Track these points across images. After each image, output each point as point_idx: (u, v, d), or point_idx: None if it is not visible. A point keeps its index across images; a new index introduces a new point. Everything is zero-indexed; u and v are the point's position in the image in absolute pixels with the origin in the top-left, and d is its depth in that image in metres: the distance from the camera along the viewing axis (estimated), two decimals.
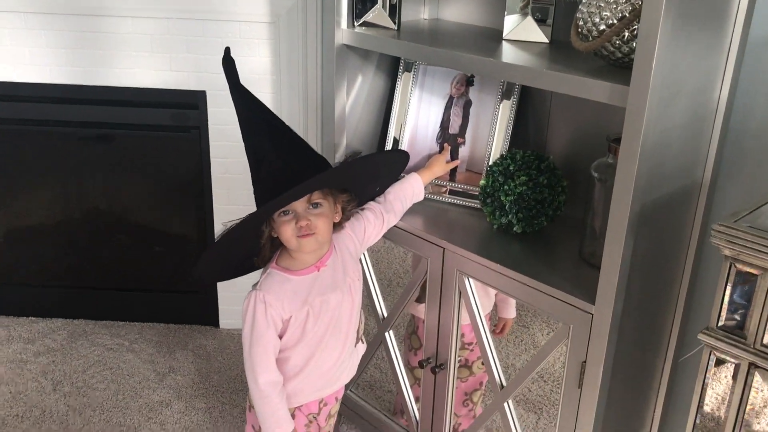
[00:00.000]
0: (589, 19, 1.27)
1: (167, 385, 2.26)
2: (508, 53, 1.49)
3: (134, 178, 2.44)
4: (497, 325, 1.80)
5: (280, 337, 1.44)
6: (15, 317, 2.57)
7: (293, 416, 1.51)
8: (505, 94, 1.67)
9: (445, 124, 1.75)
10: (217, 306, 2.54)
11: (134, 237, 2.53)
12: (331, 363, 1.52)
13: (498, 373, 1.58)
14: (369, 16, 1.66)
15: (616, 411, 1.47)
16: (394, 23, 1.66)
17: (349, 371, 1.61)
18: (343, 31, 1.67)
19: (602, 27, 1.25)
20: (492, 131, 1.68)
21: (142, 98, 2.27)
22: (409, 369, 1.84)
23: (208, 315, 2.56)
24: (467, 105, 1.74)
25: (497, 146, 1.67)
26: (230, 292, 2.48)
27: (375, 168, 1.57)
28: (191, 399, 2.20)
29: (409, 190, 1.61)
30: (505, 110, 1.66)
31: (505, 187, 1.55)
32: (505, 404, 1.57)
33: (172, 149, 2.38)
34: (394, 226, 1.60)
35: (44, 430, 2.04)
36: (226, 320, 2.55)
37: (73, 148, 2.39)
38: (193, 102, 2.26)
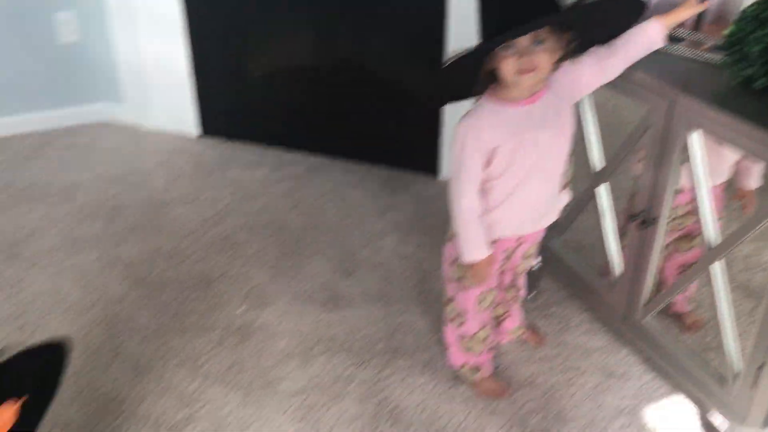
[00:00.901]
0: None
1: (386, 219, 2.46)
2: None
3: (379, 28, 2.57)
4: (736, 196, 1.70)
5: (487, 167, 1.49)
6: (266, 147, 2.91)
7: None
8: None
9: None
10: (439, 157, 2.67)
11: (373, 85, 2.69)
12: (532, 201, 1.55)
13: (710, 232, 1.50)
14: None
15: None
16: None
17: (550, 215, 1.63)
18: None
19: None
20: None
21: None
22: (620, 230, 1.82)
23: (431, 165, 2.70)
24: None
25: None
26: None
27: (606, 12, 1.50)
28: (406, 234, 2.38)
29: (643, 36, 1.51)
30: None
31: (755, 34, 1.41)
32: (713, 266, 1.50)
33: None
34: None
35: (281, 240, 2.35)
36: (447, 172, 2.68)
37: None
38: None
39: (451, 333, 1.77)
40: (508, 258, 1.67)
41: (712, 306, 1.56)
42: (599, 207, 1.80)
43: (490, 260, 1.57)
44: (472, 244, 1.55)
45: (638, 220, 1.64)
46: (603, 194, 1.79)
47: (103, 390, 1.76)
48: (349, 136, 2.81)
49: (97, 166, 2.76)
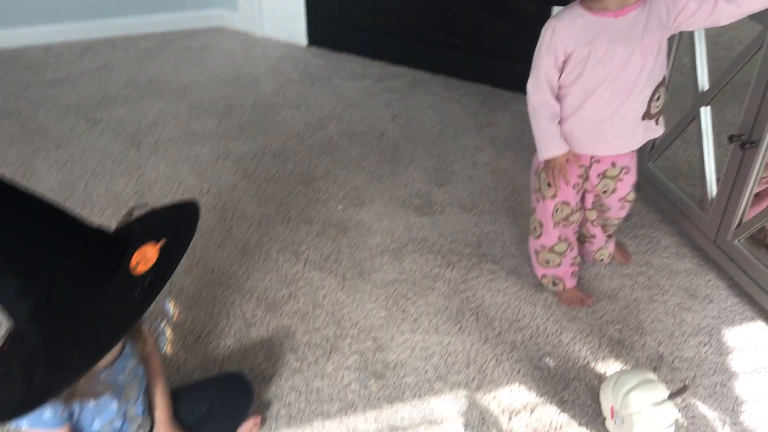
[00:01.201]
0: None
1: (483, 135, 2.51)
2: None
3: None
4: None
5: (561, 72, 1.50)
6: (370, 59, 2.99)
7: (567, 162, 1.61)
8: None
9: None
10: None
11: (478, 2, 2.70)
12: (606, 117, 1.52)
13: None
14: None
15: None
16: None
17: (628, 140, 1.59)
18: None
19: None
20: None
21: None
22: None
23: None
24: None
25: None
26: None
27: None
28: (501, 150, 2.43)
29: None
30: None
31: None
32: None
33: None
34: None
35: (380, 147, 2.45)
36: None
37: None
38: None
39: (531, 244, 1.83)
40: (584, 177, 1.67)
41: None
42: (702, 128, 1.79)
43: (565, 158, 1.58)
44: (545, 140, 1.57)
45: (739, 141, 1.64)
46: (706, 116, 1.78)
47: (214, 265, 1.95)
48: (452, 52, 2.84)
49: (211, 68, 2.92)
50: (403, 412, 1.58)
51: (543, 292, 1.87)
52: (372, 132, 2.53)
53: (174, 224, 1.10)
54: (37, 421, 1.11)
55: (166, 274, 1.02)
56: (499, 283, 1.91)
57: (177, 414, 1.42)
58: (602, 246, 1.89)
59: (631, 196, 1.75)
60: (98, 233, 1.05)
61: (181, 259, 1.05)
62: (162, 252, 1.03)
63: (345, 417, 1.56)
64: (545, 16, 1.83)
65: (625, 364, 1.69)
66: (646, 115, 1.55)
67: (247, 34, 3.17)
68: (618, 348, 1.73)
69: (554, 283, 1.83)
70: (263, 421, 1.54)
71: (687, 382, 1.53)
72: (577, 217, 1.75)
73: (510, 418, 1.57)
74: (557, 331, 1.77)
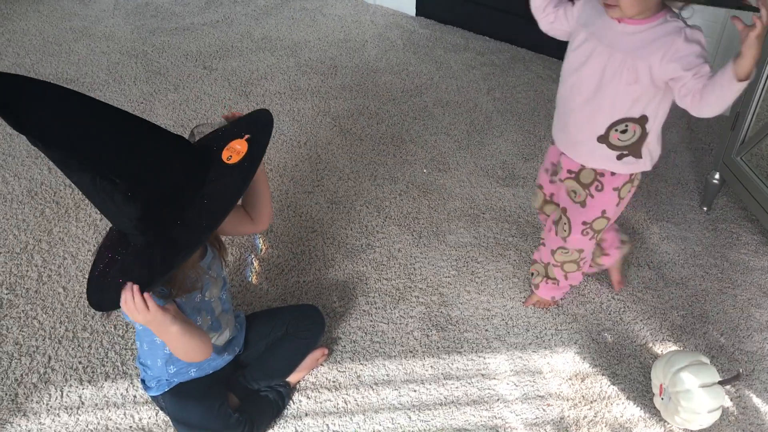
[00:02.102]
0: None
1: None
2: None
3: None
4: None
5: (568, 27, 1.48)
6: (474, 33, 3.05)
7: None
8: None
9: None
10: None
11: None
12: (566, 113, 1.49)
13: None
14: None
15: None
16: None
17: (582, 151, 1.50)
18: None
19: None
20: None
21: None
22: None
23: None
24: None
25: None
26: None
27: None
28: None
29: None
30: None
31: None
32: None
33: None
34: None
35: (471, 118, 2.52)
36: None
37: None
38: None
39: None
40: (554, 171, 1.64)
41: None
42: None
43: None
44: None
45: None
46: None
47: (303, 210, 2.10)
48: None
49: (322, 29, 3.07)
50: (459, 363, 1.68)
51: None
52: (466, 103, 2.61)
53: (252, 124, 1.22)
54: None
55: (259, 154, 1.15)
56: None
57: (253, 335, 1.59)
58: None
59: (598, 225, 1.59)
60: (188, 143, 1.20)
61: (268, 142, 1.18)
62: (250, 142, 1.16)
63: (404, 360, 1.68)
64: None
65: (684, 348, 1.72)
66: (604, 140, 1.45)
67: (359, 1, 3.29)
68: (678, 333, 1.76)
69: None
70: (329, 353, 1.69)
71: (741, 370, 1.56)
72: (549, 209, 1.72)
73: (560, 383, 1.64)
74: (620, 309, 1.82)
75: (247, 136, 1.16)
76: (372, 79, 2.73)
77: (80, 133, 1.05)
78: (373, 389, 1.62)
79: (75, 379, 1.61)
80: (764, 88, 1.87)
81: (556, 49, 2.87)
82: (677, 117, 2.07)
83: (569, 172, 1.57)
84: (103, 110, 1.09)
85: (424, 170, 2.27)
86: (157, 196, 1.11)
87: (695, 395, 1.46)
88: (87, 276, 1.27)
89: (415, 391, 1.62)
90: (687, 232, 2.05)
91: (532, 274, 1.81)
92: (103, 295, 1.19)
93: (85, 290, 1.38)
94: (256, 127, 1.19)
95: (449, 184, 2.21)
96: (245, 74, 2.73)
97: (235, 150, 1.15)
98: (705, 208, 2.12)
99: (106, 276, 1.20)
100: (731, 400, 1.60)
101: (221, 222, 1.14)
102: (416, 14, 3.18)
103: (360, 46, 2.95)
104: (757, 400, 1.61)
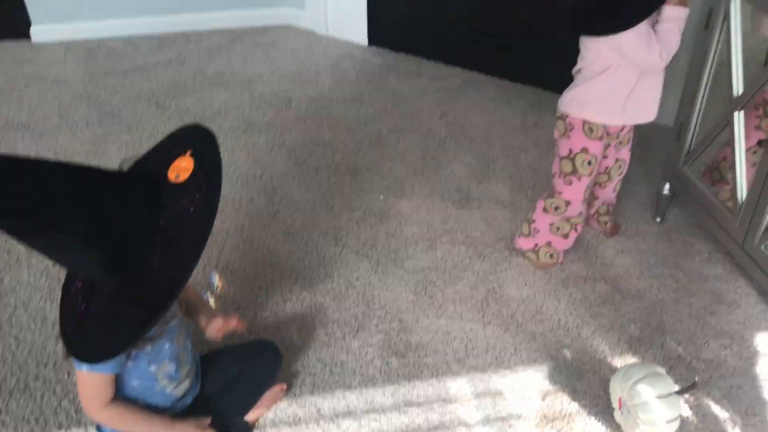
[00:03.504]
0: None
1: (529, 136, 2.57)
2: None
3: None
4: None
5: None
6: (426, 59, 3.08)
7: None
8: None
9: None
10: None
11: (533, 7, 2.76)
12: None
13: None
14: None
15: None
16: None
17: None
18: None
19: None
20: None
21: None
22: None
23: None
24: None
25: None
26: None
27: None
28: (545, 150, 2.48)
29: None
30: None
31: None
32: None
33: None
34: None
35: (426, 143, 2.54)
36: None
37: None
38: None
39: (547, 219, 2.00)
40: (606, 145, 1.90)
41: None
42: (735, 133, 1.81)
43: None
44: None
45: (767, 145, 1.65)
46: (739, 121, 1.79)
47: (259, 244, 2.08)
48: (505, 55, 2.90)
49: (275, 63, 3.08)
50: (420, 389, 1.66)
51: (569, 288, 1.92)
52: (420, 128, 2.63)
53: (189, 137, 1.14)
54: (101, 365, 1.22)
55: (215, 169, 1.08)
56: (527, 277, 1.97)
57: (209, 375, 1.56)
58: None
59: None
60: (128, 175, 1.14)
61: (220, 153, 1.10)
62: (195, 156, 1.08)
63: (365, 390, 1.66)
64: None
65: (641, 360, 1.72)
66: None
67: (312, 33, 3.32)
68: (636, 345, 1.77)
69: (551, 256, 1.97)
70: (288, 388, 1.66)
71: (697, 378, 1.57)
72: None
73: (521, 403, 1.63)
74: (578, 325, 1.82)
75: (189, 151, 1.09)
76: (326, 110, 2.74)
77: (22, 195, 0.98)
78: (333, 422, 1.60)
79: None
80: (704, 97, 1.90)
81: (508, 71, 2.92)
82: None
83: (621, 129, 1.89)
84: (36, 166, 1.05)
85: (381, 197, 2.27)
86: (118, 232, 1.05)
87: (652, 406, 1.46)
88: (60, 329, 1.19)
89: (376, 420, 1.60)
90: (642, 244, 2.07)
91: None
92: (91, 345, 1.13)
93: (45, 340, 1.32)
94: (193, 140, 1.12)
95: (406, 210, 2.22)
96: (199, 111, 2.73)
97: (180, 168, 1.08)
98: (658, 220, 2.15)
99: (83, 326, 1.13)
100: (690, 409, 1.61)
101: (193, 266, 1.08)
102: (368, 44, 3.21)
103: (314, 78, 2.96)
104: (715, 408, 1.61)
